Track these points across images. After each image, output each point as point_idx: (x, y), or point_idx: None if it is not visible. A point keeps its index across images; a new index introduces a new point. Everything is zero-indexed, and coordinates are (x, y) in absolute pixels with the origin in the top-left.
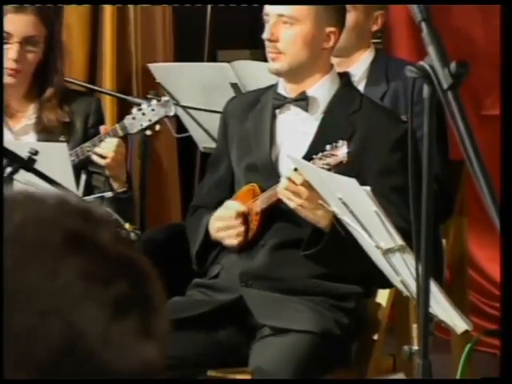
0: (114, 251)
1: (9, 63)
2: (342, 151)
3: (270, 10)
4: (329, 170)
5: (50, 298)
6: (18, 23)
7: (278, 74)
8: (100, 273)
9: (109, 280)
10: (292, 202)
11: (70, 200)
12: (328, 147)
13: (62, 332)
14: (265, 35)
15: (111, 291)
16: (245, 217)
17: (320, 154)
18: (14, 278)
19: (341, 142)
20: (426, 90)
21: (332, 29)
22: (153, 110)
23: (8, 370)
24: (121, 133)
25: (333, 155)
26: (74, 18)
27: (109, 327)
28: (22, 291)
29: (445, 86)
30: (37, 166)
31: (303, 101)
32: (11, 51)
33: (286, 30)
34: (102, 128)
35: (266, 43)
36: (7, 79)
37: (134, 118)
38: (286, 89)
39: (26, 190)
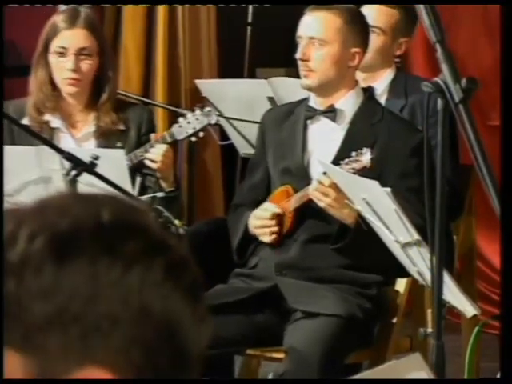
0: (176, 248)
1: (68, 74)
2: (365, 157)
3: (302, 33)
4: (354, 173)
5: (151, 290)
6: (70, 37)
7: (310, 89)
8: (175, 266)
9: (182, 272)
10: (322, 202)
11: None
12: (353, 154)
13: (162, 318)
14: (298, 55)
15: (185, 281)
16: (279, 217)
17: (346, 160)
18: (126, 274)
19: (365, 149)
20: (439, 103)
21: (357, 49)
22: (197, 119)
23: (121, 350)
24: (169, 139)
25: (358, 161)
26: (130, 41)
27: (190, 313)
28: (134, 286)
29: (456, 99)
30: (98, 169)
31: (332, 113)
32: (68, 63)
33: (317, 50)
34: (153, 135)
35: (299, 62)
36: (69, 89)
37: (180, 126)
38: (316, 102)
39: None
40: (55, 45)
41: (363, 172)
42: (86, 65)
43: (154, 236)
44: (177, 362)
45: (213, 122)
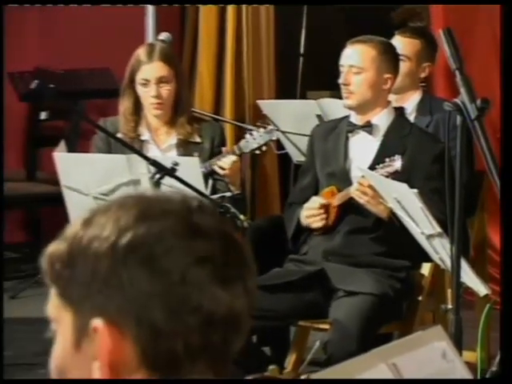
0: (208, 225)
1: (152, 100)
2: (397, 163)
3: (343, 62)
4: (387, 176)
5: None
6: (150, 70)
7: (350, 108)
8: (185, 233)
9: (193, 238)
10: (361, 200)
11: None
12: (387, 160)
13: (167, 275)
14: (340, 80)
15: (193, 246)
16: (326, 207)
17: (381, 165)
18: (118, 240)
19: (396, 157)
20: (458, 119)
21: (389, 75)
22: (261, 135)
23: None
24: (237, 152)
25: (390, 166)
26: (204, 68)
27: (187, 269)
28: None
29: (472, 116)
30: (177, 173)
31: (369, 127)
32: (151, 91)
33: (356, 76)
34: (224, 149)
35: (341, 86)
36: (154, 112)
37: (247, 142)
38: (356, 119)
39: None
40: (139, 77)
41: (395, 176)
42: (166, 90)
43: (156, 203)
44: (180, 311)
45: (274, 138)
